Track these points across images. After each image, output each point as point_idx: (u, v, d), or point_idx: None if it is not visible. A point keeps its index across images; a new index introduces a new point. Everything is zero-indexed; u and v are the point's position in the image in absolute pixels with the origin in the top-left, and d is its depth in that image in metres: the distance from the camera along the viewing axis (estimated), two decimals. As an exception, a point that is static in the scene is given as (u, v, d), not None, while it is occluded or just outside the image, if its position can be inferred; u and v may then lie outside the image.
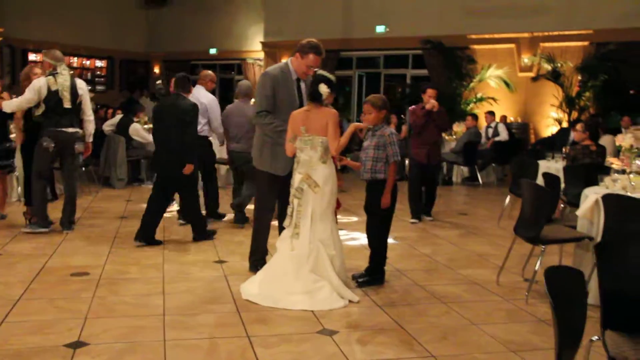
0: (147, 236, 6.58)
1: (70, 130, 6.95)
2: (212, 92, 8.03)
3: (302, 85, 5.51)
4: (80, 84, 7.13)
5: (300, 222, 4.92)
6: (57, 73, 6.88)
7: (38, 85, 6.80)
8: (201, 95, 7.53)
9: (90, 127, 7.21)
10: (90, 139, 7.30)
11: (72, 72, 7.18)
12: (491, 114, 13.41)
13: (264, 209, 5.64)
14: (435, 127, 8.14)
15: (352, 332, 4.33)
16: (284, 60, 5.91)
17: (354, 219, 8.20)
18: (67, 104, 6.88)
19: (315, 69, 5.27)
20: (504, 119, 14.17)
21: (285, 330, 4.33)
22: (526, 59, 14.65)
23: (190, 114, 6.59)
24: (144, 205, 8.63)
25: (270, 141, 5.38)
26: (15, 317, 4.42)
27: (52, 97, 6.80)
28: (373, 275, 5.39)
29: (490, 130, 13.12)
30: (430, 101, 7.99)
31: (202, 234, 6.92)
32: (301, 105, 5.31)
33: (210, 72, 8.15)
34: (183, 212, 7.49)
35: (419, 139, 8.15)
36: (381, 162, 5.22)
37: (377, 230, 5.40)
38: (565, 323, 2.35)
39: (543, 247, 5.08)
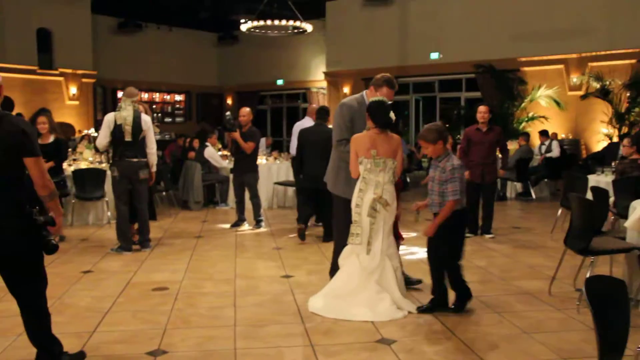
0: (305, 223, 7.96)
1: (134, 160, 7.04)
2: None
3: None
4: (145, 119, 7.18)
5: (373, 239, 4.88)
6: (122, 108, 7.09)
7: (107, 120, 7.06)
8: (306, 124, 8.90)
9: (152, 159, 7.29)
10: (154, 169, 7.36)
11: (138, 108, 7.18)
12: (544, 133, 13.09)
13: (341, 232, 5.31)
14: (488, 147, 7.89)
15: (410, 341, 4.30)
16: (342, 94, 5.80)
17: (413, 234, 8.13)
18: (127, 137, 6.97)
19: (376, 97, 5.07)
20: (555, 136, 13.83)
21: (347, 339, 4.33)
22: (575, 78, 14.32)
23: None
24: (219, 225, 8.81)
25: (346, 167, 5.18)
26: (105, 327, 4.58)
27: (117, 130, 6.98)
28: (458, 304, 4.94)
29: (544, 148, 12.84)
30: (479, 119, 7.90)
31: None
32: None
33: (314, 105, 9.09)
34: (320, 216, 8.38)
35: (470, 158, 7.90)
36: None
37: (442, 261, 4.91)
38: (606, 330, 2.28)
39: (592, 258, 4.92)
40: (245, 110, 8.90)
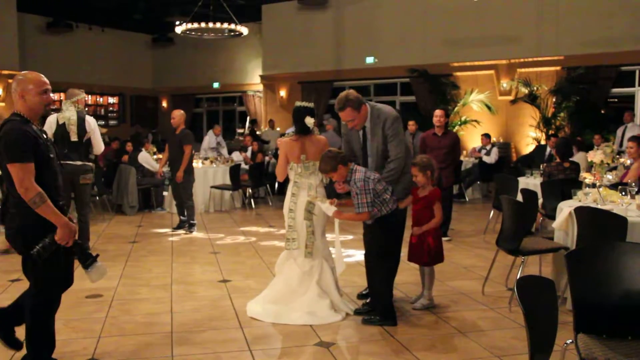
0: None
1: (78, 163, 6.89)
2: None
3: (366, 129, 4.84)
4: (89, 120, 7.04)
5: (310, 241, 4.90)
6: (63, 109, 6.91)
7: (49, 122, 6.85)
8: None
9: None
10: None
11: (82, 108, 7.05)
12: (487, 136, 13.40)
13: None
14: (445, 152, 7.78)
15: (348, 344, 4.34)
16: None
17: (350, 237, 8.20)
18: (73, 137, 6.83)
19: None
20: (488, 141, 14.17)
21: (285, 343, 4.33)
22: (505, 83, 14.77)
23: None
24: (154, 230, 8.63)
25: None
26: (34, 338, 4.41)
27: (60, 130, 6.79)
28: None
29: (484, 152, 13.17)
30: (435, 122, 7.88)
31: None
32: (364, 149, 4.84)
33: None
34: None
35: None
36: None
37: (378, 268, 4.79)
38: (536, 329, 2.36)
39: (523, 258, 5.09)
40: (176, 112, 8.77)
